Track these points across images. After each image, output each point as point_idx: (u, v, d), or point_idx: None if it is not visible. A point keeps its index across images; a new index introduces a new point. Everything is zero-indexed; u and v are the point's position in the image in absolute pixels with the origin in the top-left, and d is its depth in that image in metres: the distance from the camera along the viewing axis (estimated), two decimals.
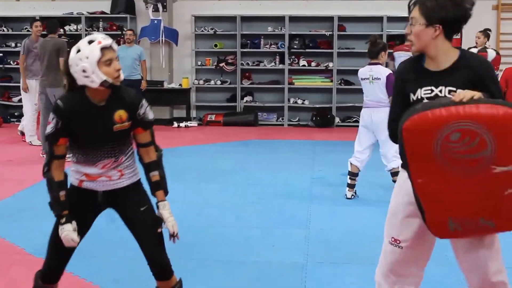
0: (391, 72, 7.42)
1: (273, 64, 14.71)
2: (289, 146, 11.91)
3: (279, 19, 14.59)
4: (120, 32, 14.69)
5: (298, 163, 10.08)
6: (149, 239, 3.74)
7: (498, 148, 2.90)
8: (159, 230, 3.71)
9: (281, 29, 14.59)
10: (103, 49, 3.51)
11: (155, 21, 14.44)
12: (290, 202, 7.55)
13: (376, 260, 5.51)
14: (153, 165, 3.77)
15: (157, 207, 3.76)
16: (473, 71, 3.20)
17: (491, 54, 10.76)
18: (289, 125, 14.65)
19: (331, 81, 14.51)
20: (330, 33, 14.44)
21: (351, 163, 7.59)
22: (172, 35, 14.65)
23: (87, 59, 3.48)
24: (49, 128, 3.61)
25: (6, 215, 7.01)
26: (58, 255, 3.79)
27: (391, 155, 7.33)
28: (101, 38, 3.54)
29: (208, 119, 14.58)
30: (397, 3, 14.57)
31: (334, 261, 5.55)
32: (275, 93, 14.92)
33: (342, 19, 14.45)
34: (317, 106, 14.59)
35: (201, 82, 14.93)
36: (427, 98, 3.25)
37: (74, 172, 3.74)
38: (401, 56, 11.28)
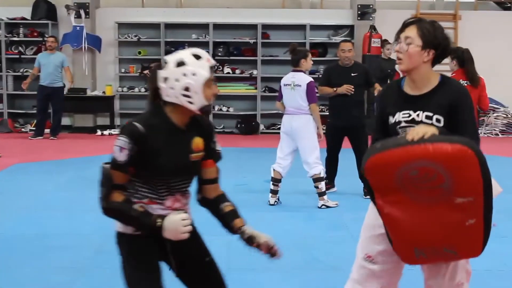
0: (312, 80, 7.52)
1: None
2: None
3: (203, 27, 14.59)
4: (41, 39, 14.44)
5: (222, 170, 9.96)
6: None
7: (455, 182, 2.95)
8: (261, 246, 3.34)
9: (205, 36, 14.60)
10: (211, 68, 3.11)
11: (78, 28, 14.25)
12: None
13: (297, 266, 5.58)
14: (224, 197, 3.38)
15: (243, 232, 3.34)
16: (450, 98, 3.23)
17: None
18: None
19: (256, 88, 14.59)
20: (254, 40, 14.52)
21: (273, 169, 7.63)
22: (95, 42, 14.47)
23: (194, 76, 3.04)
24: (119, 155, 3.05)
25: None
26: None
27: (312, 161, 7.40)
28: (207, 55, 3.13)
29: None
30: (320, 12, 14.82)
31: (255, 268, 5.54)
32: None
33: (266, 27, 14.55)
34: (242, 113, 14.65)
35: (125, 89, 14.80)
36: (404, 121, 3.31)
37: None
38: None
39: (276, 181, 7.64)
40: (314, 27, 14.49)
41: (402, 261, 3.33)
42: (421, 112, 3.27)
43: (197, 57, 3.07)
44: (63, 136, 13.31)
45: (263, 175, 8.77)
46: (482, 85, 7.41)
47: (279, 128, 13.26)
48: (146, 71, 13.31)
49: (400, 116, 3.32)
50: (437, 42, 3.25)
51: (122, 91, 14.79)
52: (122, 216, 3.11)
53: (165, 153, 3.09)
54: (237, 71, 14.63)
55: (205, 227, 6.74)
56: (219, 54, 14.49)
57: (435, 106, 3.24)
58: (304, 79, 7.43)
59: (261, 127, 14.58)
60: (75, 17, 14.29)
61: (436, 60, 3.31)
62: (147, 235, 3.16)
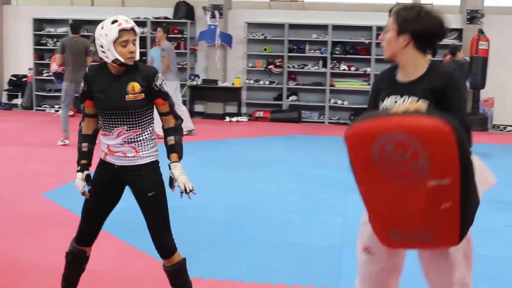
0: None
1: (316, 67, 14.61)
2: (329, 142, 11.81)
3: (323, 27, 14.48)
4: (180, 36, 14.75)
5: (337, 157, 9.89)
6: (153, 224, 3.66)
7: (431, 161, 2.58)
8: (172, 189, 3.63)
9: (324, 36, 14.48)
10: (122, 30, 3.49)
11: (212, 26, 14.45)
12: (328, 191, 7.48)
13: None
14: (170, 131, 3.65)
15: (169, 167, 3.63)
16: (436, 82, 2.89)
17: None
18: (329, 123, 14.54)
19: (369, 84, 14.36)
20: (369, 41, 14.29)
21: None
22: (227, 39, 14.66)
23: (106, 36, 3.48)
24: (80, 92, 3.72)
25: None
26: (89, 218, 3.75)
27: None
28: (123, 20, 3.52)
29: (256, 115, 14.55)
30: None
31: None
32: (317, 94, 14.82)
33: (380, 28, 14.25)
34: (355, 106, 14.45)
35: (252, 82, 14.91)
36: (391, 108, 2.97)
37: (102, 145, 3.70)
38: None
39: None
40: None
41: (384, 245, 2.92)
42: (407, 96, 2.93)
43: (114, 21, 3.52)
44: (196, 121, 13.56)
45: None
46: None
47: None
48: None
49: (388, 102, 3.01)
50: (411, 27, 2.91)
51: (249, 83, 14.90)
52: (78, 142, 3.75)
53: (102, 94, 3.58)
54: (352, 68, 14.45)
55: (320, 208, 6.76)
56: (337, 52, 14.35)
57: (421, 91, 2.90)
58: None
59: None
60: (210, 17, 14.49)
61: (421, 44, 2.95)
62: (109, 162, 3.66)
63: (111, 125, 3.59)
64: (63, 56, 10.09)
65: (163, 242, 3.69)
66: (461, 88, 2.93)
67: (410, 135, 2.57)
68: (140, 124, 3.60)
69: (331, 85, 14.50)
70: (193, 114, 14.44)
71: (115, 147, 3.61)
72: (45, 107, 15.46)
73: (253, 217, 6.31)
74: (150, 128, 3.67)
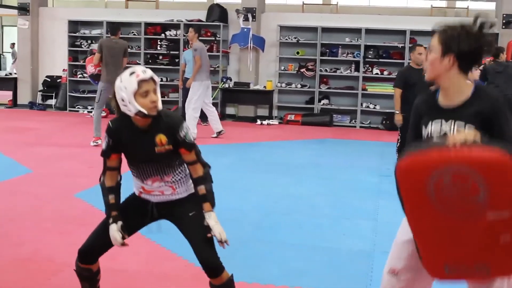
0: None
1: (349, 71, 14.56)
2: (360, 146, 11.77)
3: (356, 31, 14.43)
4: (213, 38, 14.81)
5: (368, 161, 9.94)
6: (198, 242, 3.58)
7: (491, 193, 2.51)
8: (208, 235, 3.56)
9: (357, 40, 14.43)
10: (141, 81, 3.41)
11: (245, 29, 14.50)
12: (359, 196, 7.44)
13: None
14: (200, 180, 3.58)
15: (204, 217, 3.58)
16: (483, 106, 2.78)
17: None
18: (361, 127, 14.48)
19: None
20: (402, 45, 14.20)
21: None
22: (260, 42, 14.68)
23: (126, 89, 3.40)
24: (103, 145, 3.64)
25: None
26: (102, 240, 3.70)
27: None
28: (141, 72, 3.43)
29: (288, 118, 14.54)
30: (465, 20, 14.21)
31: None
32: (349, 98, 14.77)
33: (413, 32, 14.17)
34: (387, 111, 14.35)
35: (283, 85, 14.91)
36: (436, 133, 2.89)
37: (134, 184, 3.73)
38: None
39: None
40: None
41: (430, 276, 2.86)
42: (453, 121, 2.82)
43: (131, 73, 3.43)
44: (227, 123, 13.60)
45: None
46: None
47: None
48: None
49: (432, 127, 2.89)
50: (457, 47, 2.80)
51: (281, 86, 14.91)
52: (102, 194, 3.69)
53: (130, 148, 3.58)
54: (385, 72, 14.38)
55: (351, 212, 6.72)
56: (369, 56, 14.29)
57: (467, 116, 2.79)
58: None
59: None
60: (243, 20, 14.55)
61: (465, 66, 2.84)
62: (140, 198, 3.72)
63: (144, 175, 3.62)
64: (100, 56, 10.22)
65: (210, 260, 3.58)
66: (507, 112, 2.82)
67: (471, 168, 2.50)
68: (173, 168, 3.62)
69: (363, 89, 14.44)
70: (224, 116, 14.51)
71: (151, 189, 3.65)
72: (78, 108, 15.67)
73: (283, 220, 6.30)
74: (183, 166, 3.65)
